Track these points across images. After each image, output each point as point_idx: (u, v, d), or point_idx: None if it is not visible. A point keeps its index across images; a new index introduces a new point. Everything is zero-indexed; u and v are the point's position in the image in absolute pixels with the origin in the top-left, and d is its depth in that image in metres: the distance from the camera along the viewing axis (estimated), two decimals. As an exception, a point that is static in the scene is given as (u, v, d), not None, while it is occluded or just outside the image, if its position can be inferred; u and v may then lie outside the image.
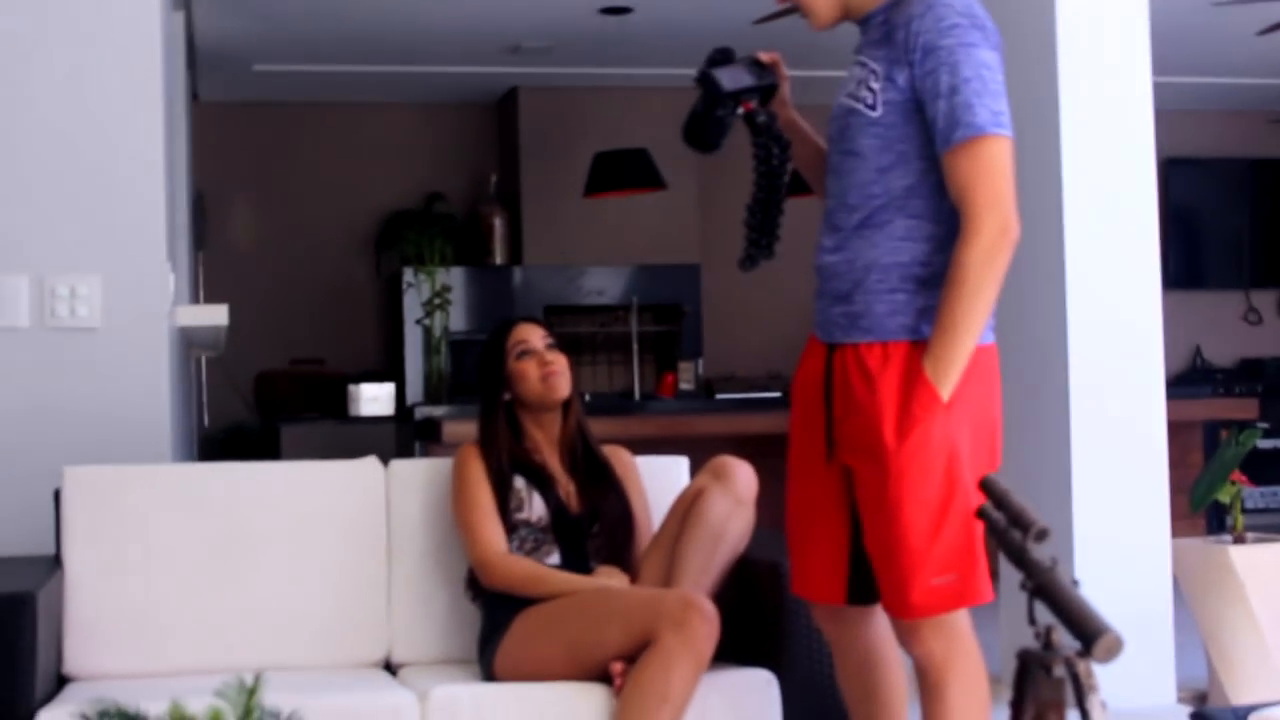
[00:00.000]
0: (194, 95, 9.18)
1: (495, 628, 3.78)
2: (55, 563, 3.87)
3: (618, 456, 4.08)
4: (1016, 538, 2.28)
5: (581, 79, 9.81)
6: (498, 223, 9.98)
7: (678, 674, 3.43)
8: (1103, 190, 5.30)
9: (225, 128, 9.99)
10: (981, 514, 2.43)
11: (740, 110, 3.31)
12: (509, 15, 8.47)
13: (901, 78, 3.10)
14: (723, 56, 3.35)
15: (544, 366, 3.95)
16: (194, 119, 8.87)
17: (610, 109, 9.88)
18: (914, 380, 3.04)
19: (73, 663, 3.82)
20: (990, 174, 3.04)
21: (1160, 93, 5.60)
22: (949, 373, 3.02)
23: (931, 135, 3.09)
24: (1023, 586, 2.23)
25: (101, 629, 3.85)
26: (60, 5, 4.47)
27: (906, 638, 3.18)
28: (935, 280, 3.10)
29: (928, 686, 3.17)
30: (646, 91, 9.83)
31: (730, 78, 3.30)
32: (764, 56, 3.38)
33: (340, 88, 9.93)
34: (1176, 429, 5.79)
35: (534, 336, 3.99)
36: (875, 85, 3.13)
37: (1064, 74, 5.27)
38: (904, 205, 3.13)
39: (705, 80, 3.29)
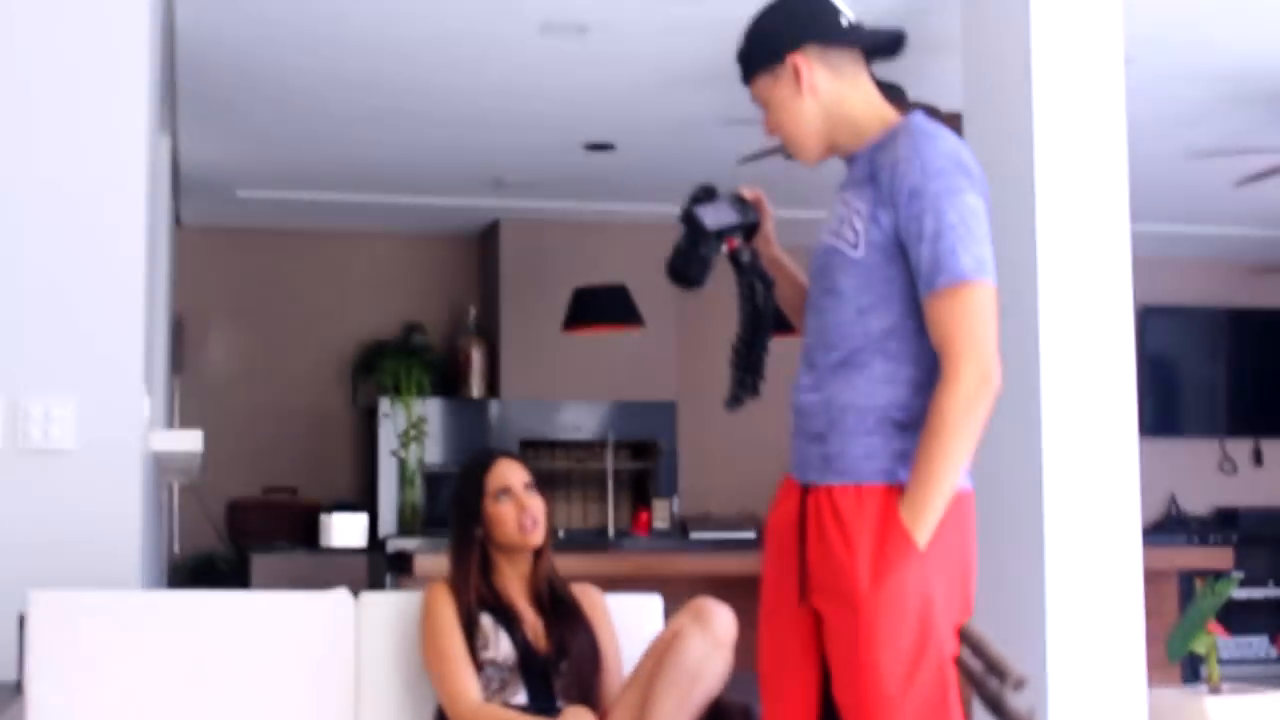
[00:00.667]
0: (177, 219, 9.21)
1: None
2: (16, 689, 3.81)
3: (586, 595, 4.05)
4: (994, 685, 2.26)
5: (563, 214, 9.87)
6: (476, 354, 9.99)
7: None
8: (1080, 336, 5.31)
9: (207, 252, 10.02)
10: (958, 662, 2.40)
11: (724, 248, 3.32)
12: (493, 149, 8.53)
13: (885, 219, 3.08)
14: (706, 194, 3.36)
15: (522, 512, 3.94)
16: (176, 243, 8.89)
17: (591, 244, 9.93)
18: (889, 526, 2.99)
19: (30, 793, 3.75)
20: (971, 320, 3.02)
21: (1138, 240, 5.64)
22: (926, 520, 2.98)
23: (914, 278, 3.07)
24: (1000, 736, 2.20)
25: (61, 759, 3.78)
26: (47, 123, 4.48)
27: None
28: (913, 424, 3.07)
29: None
30: (627, 227, 9.89)
31: (713, 215, 3.32)
32: (747, 193, 3.39)
33: (323, 215, 9.97)
34: (1152, 577, 5.76)
35: (514, 477, 3.98)
36: (859, 225, 3.11)
37: (1042, 219, 5.29)
38: (883, 347, 3.10)
39: (689, 218, 3.31)
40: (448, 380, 10.04)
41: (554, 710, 3.82)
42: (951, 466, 2.98)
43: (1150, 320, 10.78)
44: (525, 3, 6.26)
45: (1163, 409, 11.00)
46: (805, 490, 3.14)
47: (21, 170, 4.49)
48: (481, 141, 8.37)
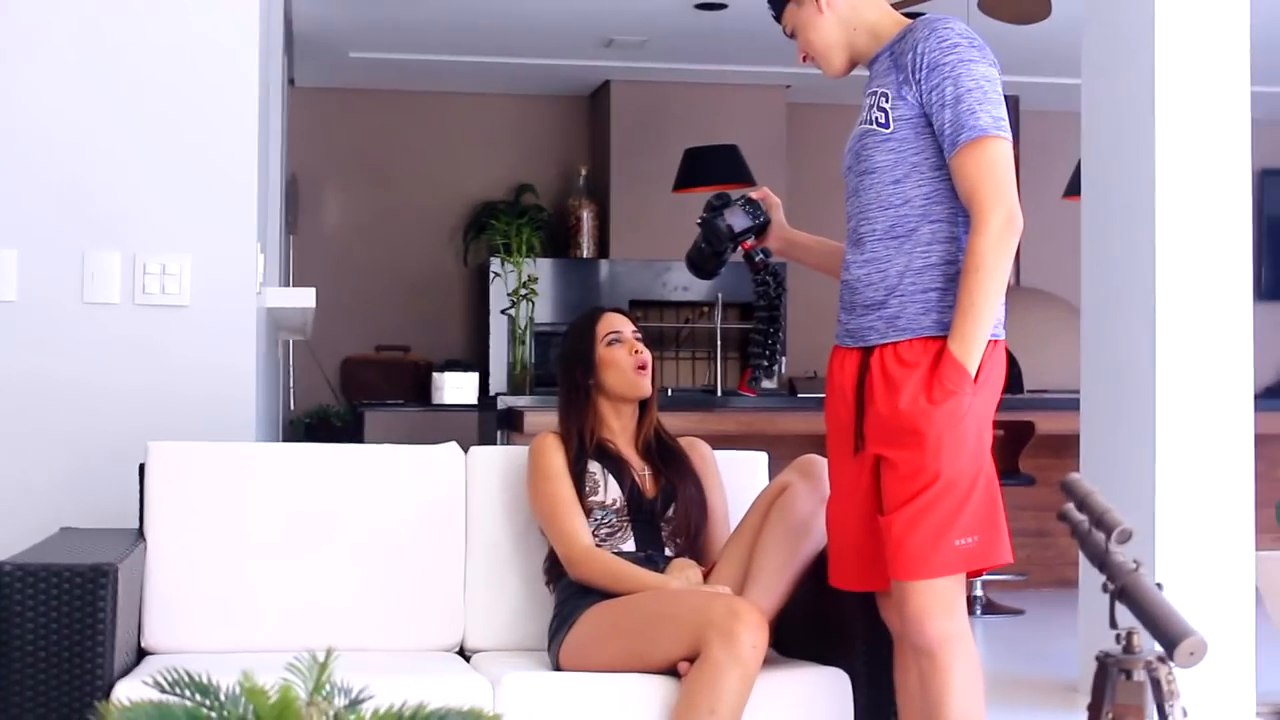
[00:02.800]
0: (290, 80, 9.25)
1: (563, 621, 3.79)
2: (138, 536, 3.91)
3: (694, 448, 4.09)
4: (1099, 539, 2.27)
5: (674, 74, 9.82)
6: (586, 216, 10.00)
7: (724, 685, 3.43)
8: (1196, 200, 5.25)
9: (320, 113, 10.07)
10: (1063, 516, 2.41)
11: (739, 249, 3.79)
12: (604, 8, 8.48)
13: (910, 95, 3.40)
14: (721, 202, 3.82)
15: (635, 356, 3.97)
16: (289, 103, 8.94)
17: (702, 105, 9.88)
18: (943, 361, 3.31)
19: (152, 636, 3.86)
20: (994, 171, 3.32)
21: (1257, 103, 5.54)
22: (972, 349, 3.29)
23: (940, 145, 3.38)
24: (1105, 588, 2.21)
25: (181, 604, 3.88)
26: (159, -12, 4.52)
27: (915, 618, 3.33)
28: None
29: (934, 669, 3.35)
30: (738, 88, 9.82)
31: (729, 222, 3.78)
32: (755, 194, 3.84)
33: (434, 77, 9.98)
34: (1264, 442, 5.72)
35: (624, 327, 4.01)
36: (886, 105, 3.43)
37: (1160, 83, 5.23)
38: (925, 211, 3.41)
39: (707, 226, 3.80)
40: (558, 241, 10.07)
41: (661, 558, 3.87)
42: (990, 301, 3.29)
43: (1267, 183, 10.59)
44: None
45: (1278, 273, 10.83)
46: (866, 353, 3.43)
47: (136, 32, 4.53)
48: (592, 1, 8.32)
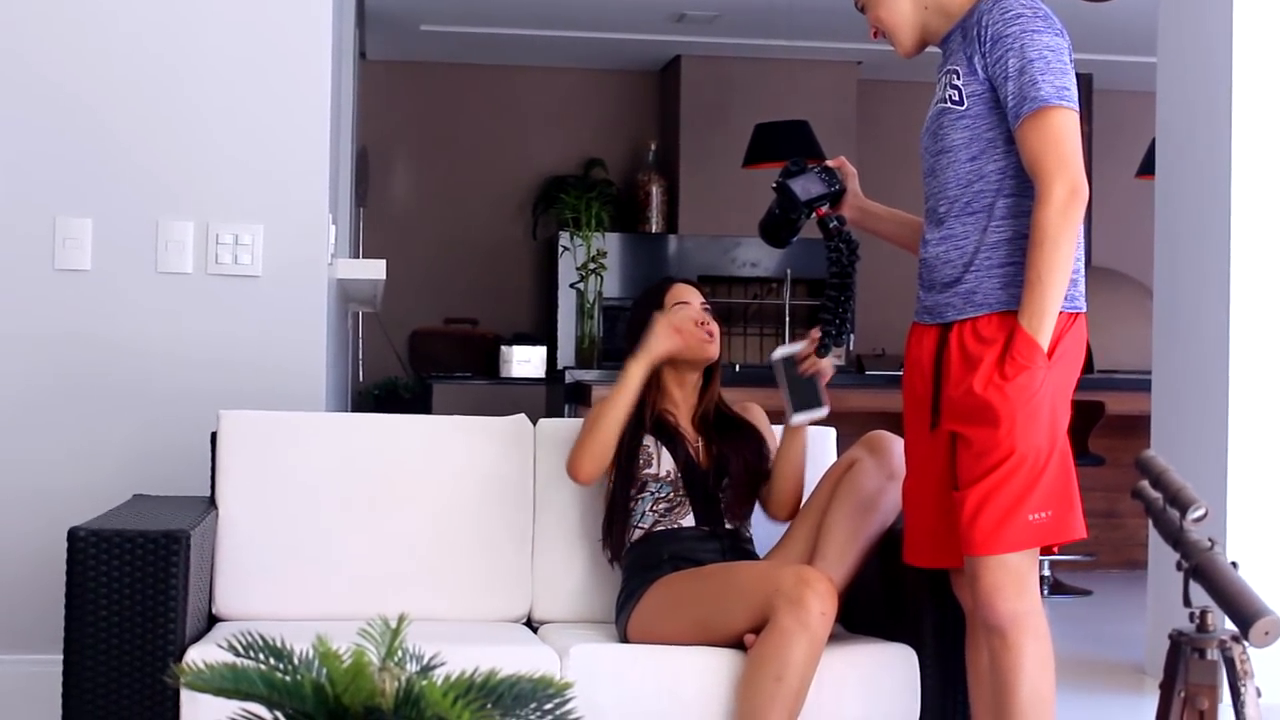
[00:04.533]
0: (361, 53, 9.28)
1: (630, 594, 3.80)
2: (210, 504, 3.94)
3: (750, 411, 4.06)
4: (1174, 517, 2.25)
5: (744, 49, 9.79)
6: (655, 191, 9.99)
7: (793, 653, 3.42)
8: (1272, 180, 5.23)
9: (391, 86, 10.10)
10: (1137, 494, 2.39)
11: (813, 216, 3.75)
12: (675, -17, 8.46)
13: (980, 69, 3.39)
14: (797, 168, 3.78)
15: (702, 325, 3.95)
16: (360, 77, 8.97)
17: (772, 80, 9.85)
18: (1017, 335, 3.28)
19: (223, 603, 3.89)
20: (1058, 141, 3.29)
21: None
22: (1043, 322, 3.27)
23: (1007, 116, 3.37)
24: (1179, 566, 2.19)
25: (252, 571, 3.91)
26: (235, -42, 4.54)
27: (987, 595, 3.31)
28: None
29: (1005, 647, 3.33)
30: (809, 64, 9.78)
31: (803, 188, 3.75)
32: (831, 163, 3.81)
33: (505, 50, 9.99)
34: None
35: (693, 298, 4.00)
36: (959, 83, 3.43)
37: (1238, 61, 5.21)
38: (1001, 186, 3.39)
39: (782, 191, 3.75)
40: (626, 215, 10.07)
41: (721, 531, 3.88)
42: (1056, 273, 3.26)
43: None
44: None
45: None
46: (945, 329, 3.44)
47: (210, 6, 4.56)
48: (664, -25, 8.31)
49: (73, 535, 3.38)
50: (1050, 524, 3.30)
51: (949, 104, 3.45)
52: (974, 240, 3.40)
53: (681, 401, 4.01)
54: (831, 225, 3.74)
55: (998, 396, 3.27)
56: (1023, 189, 3.37)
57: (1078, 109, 3.35)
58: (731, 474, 3.91)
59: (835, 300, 3.74)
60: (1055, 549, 3.44)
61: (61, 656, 3.39)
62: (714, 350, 3.97)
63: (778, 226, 3.79)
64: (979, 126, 3.40)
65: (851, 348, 9.67)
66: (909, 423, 3.56)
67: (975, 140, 3.41)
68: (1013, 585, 3.30)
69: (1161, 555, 5.27)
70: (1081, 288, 3.40)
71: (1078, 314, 3.39)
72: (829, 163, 3.82)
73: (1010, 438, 3.27)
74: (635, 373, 3.87)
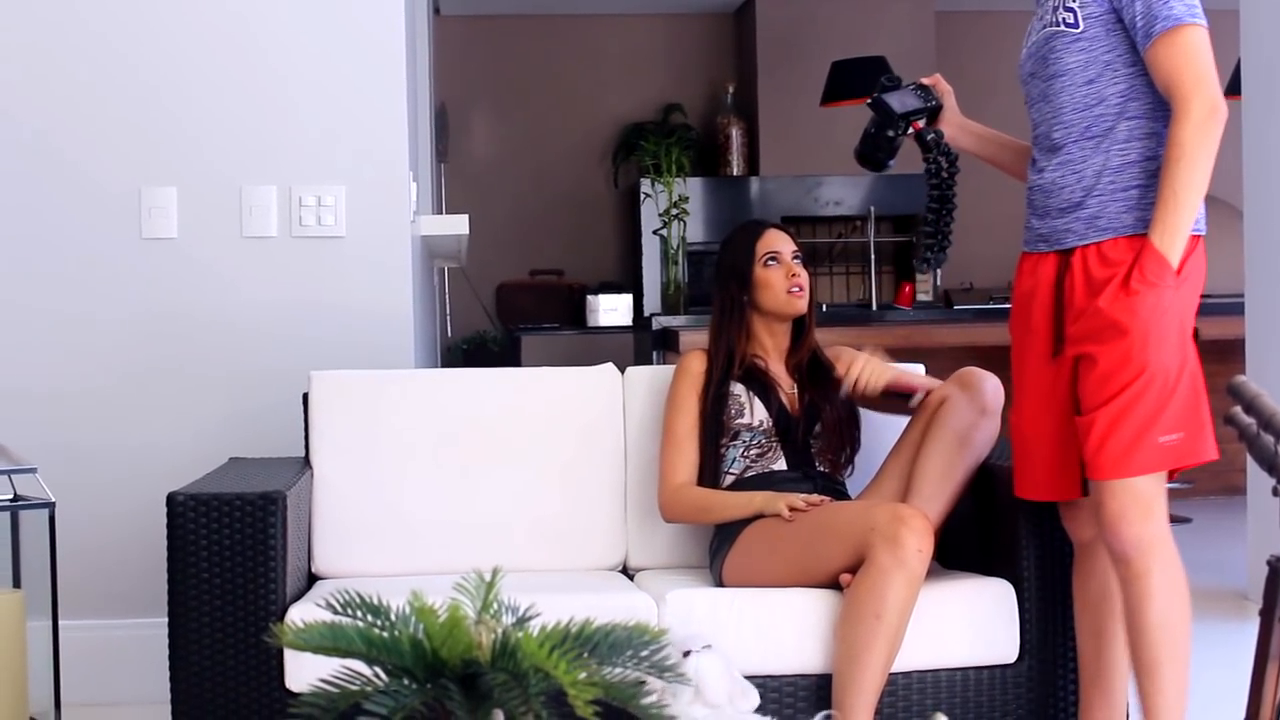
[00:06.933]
0: (436, 9, 9.29)
1: (724, 539, 3.80)
2: (305, 464, 3.98)
3: (840, 356, 4.04)
4: (1269, 442, 2.23)
5: (819, -14, 9.71)
6: (734, 133, 9.95)
7: (891, 590, 3.42)
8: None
9: (466, 41, 10.10)
10: (1231, 420, 2.37)
11: (910, 130, 3.69)
12: (746, -77, 8.39)
13: None
14: (891, 83, 3.74)
15: (791, 279, 3.94)
16: (435, 33, 8.98)
17: (848, 17, 9.77)
18: (1146, 253, 3.24)
19: (322, 561, 3.93)
20: (1193, 58, 3.25)
21: None
22: (1175, 240, 3.23)
23: (1133, 40, 3.31)
24: (1275, 492, 2.17)
25: (348, 529, 3.95)
26: (306, -80, 4.56)
27: (1112, 521, 3.26)
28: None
29: (1132, 575, 3.28)
30: (885, -1, 9.70)
31: (899, 101, 3.69)
32: (927, 80, 3.77)
33: (578, 0, 9.96)
34: None
35: (784, 246, 3.98)
36: (1074, 5, 3.36)
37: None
38: (1123, 109, 3.35)
39: (877, 105, 3.69)
40: (707, 159, 10.03)
41: (815, 473, 3.87)
42: (1193, 191, 3.23)
43: None
44: None
45: None
46: (1064, 256, 3.38)
47: (286, -34, 4.57)
48: (734, -85, 8.25)
49: (171, 500, 3.43)
50: (1181, 446, 3.26)
51: (1062, 27, 3.38)
52: (1095, 165, 3.35)
53: (773, 348, 4.00)
54: (929, 138, 3.68)
55: (1127, 314, 3.23)
56: (1146, 111, 3.33)
57: (1207, 26, 3.30)
58: (825, 422, 3.91)
59: (936, 214, 3.69)
60: (1176, 475, 3.38)
61: (167, 620, 3.44)
62: (803, 304, 3.96)
63: (875, 146, 3.71)
64: (1096, 49, 3.35)
65: (939, 282, 9.62)
66: (1024, 354, 3.50)
67: (1092, 63, 3.36)
68: (1139, 510, 3.25)
69: (1260, 481, 5.22)
70: (1204, 210, 3.35)
71: (1199, 236, 3.35)
72: (924, 80, 3.78)
73: (1142, 355, 3.22)
74: (758, 506, 3.77)
